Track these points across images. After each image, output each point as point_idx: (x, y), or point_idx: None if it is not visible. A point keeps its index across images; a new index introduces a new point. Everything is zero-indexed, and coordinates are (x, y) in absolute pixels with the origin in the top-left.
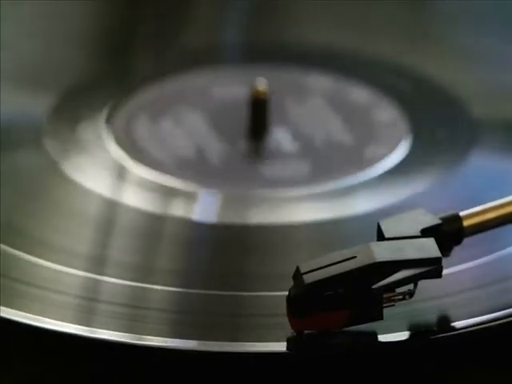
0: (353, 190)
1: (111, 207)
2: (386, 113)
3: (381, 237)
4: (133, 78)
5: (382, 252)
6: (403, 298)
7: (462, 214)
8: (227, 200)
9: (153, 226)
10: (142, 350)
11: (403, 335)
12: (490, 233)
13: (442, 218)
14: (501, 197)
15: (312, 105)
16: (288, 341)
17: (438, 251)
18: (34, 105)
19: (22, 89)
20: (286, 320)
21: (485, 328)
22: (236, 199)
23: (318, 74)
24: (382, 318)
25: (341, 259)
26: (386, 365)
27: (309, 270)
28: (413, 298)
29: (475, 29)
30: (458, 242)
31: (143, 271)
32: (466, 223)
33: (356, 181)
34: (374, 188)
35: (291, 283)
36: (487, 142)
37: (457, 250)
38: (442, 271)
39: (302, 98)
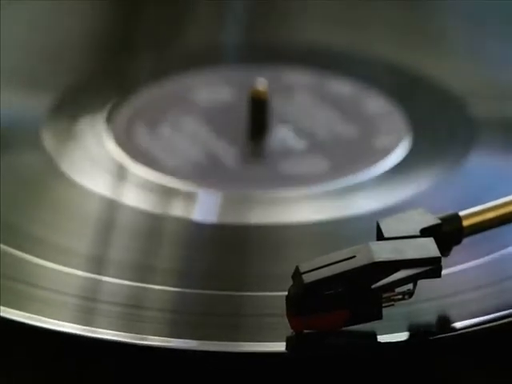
0: (353, 190)
1: (111, 207)
2: (386, 113)
3: (380, 236)
4: (132, 78)
5: (382, 252)
6: (403, 298)
7: (461, 213)
8: (227, 200)
9: (153, 226)
10: (142, 350)
11: (403, 336)
12: (489, 233)
13: (441, 218)
14: (501, 197)
15: (312, 105)
16: (287, 341)
17: (438, 251)
18: (33, 104)
19: (22, 89)
20: (285, 320)
21: (485, 328)
22: (236, 199)
23: (318, 74)
24: (381, 318)
25: (340, 259)
26: (384, 365)
27: (308, 269)
28: (412, 298)
29: (475, 29)
30: (458, 241)
31: (143, 271)
32: (465, 223)
33: (356, 181)
34: (374, 188)
35: (291, 283)
36: (487, 141)
37: (456, 250)
38: (441, 271)
39: (302, 98)
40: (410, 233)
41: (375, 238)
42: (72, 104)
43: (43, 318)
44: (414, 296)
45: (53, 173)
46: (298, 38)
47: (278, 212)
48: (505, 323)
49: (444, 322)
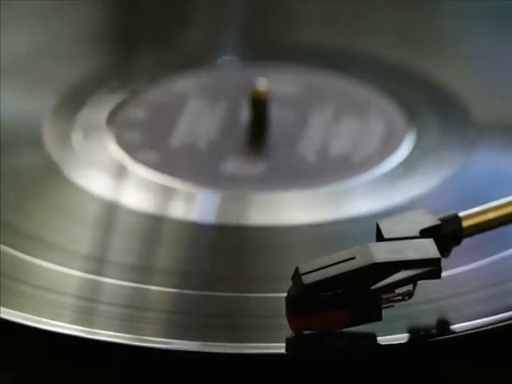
0: (353, 190)
1: (111, 208)
2: (387, 113)
3: (380, 237)
4: (132, 79)
5: (381, 252)
6: (402, 299)
7: (461, 214)
8: (226, 200)
9: (152, 227)
10: (141, 351)
11: (402, 337)
12: (490, 235)
13: (441, 219)
14: (501, 197)
15: (312, 105)
16: (287, 342)
17: (437, 252)
18: (34, 105)
19: (23, 88)
20: (285, 321)
21: (484, 330)
22: (235, 200)
23: (318, 74)
24: (381, 319)
25: (340, 260)
26: (385, 366)
27: (308, 270)
28: (412, 300)
29: (475, 29)
30: (458, 242)
31: (142, 272)
32: (465, 224)
33: (357, 182)
34: (375, 189)
35: (290, 284)
36: (487, 142)
37: (456, 252)
38: (441, 272)
39: (302, 97)
40: (410, 234)
41: (375, 240)
42: (72, 104)
43: (43, 319)
44: (413, 297)
45: (53, 173)
46: (298, 38)
47: (277, 213)
48: (504, 326)
49: (444, 323)
